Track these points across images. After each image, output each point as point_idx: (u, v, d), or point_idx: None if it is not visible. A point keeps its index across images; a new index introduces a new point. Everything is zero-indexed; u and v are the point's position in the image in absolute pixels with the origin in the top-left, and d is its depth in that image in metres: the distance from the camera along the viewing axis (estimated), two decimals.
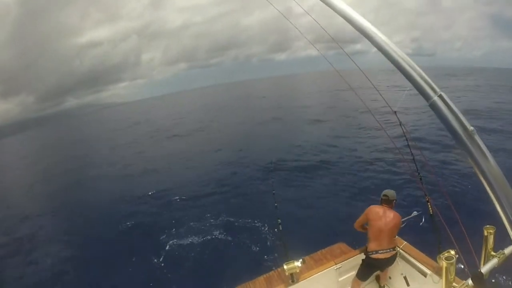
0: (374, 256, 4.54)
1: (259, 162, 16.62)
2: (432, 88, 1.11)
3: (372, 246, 4.58)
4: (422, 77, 1.12)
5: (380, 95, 2.88)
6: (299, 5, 1.69)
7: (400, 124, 4.87)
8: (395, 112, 4.72)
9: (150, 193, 14.91)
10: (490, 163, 1.09)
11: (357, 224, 4.90)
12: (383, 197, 4.70)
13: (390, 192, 4.71)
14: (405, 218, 4.92)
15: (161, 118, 52.95)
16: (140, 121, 52.40)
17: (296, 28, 2.35)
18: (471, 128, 1.08)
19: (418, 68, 1.14)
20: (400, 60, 1.15)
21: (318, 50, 2.55)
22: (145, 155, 24.81)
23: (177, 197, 13.94)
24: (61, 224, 13.12)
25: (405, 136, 5.24)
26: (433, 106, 1.11)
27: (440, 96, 1.10)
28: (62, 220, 13.44)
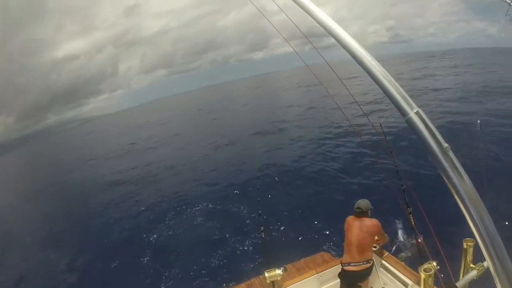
0: (347, 268, 4.49)
1: (244, 166, 16.65)
2: (409, 104, 1.13)
3: (344, 257, 4.55)
4: (399, 93, 1.14)
5: (357, 102, 2.87)
6: (274, 2, 1.71)
7: (385, 136, 4.93)
8: (380, 124, 4.79)
9: (137, 200, 14.87)
10: (463, 179, 1.11)
11: None
12: (357, 210, 4.59)
13: (363, 203, 4.59)
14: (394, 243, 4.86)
15: (140, 127, 51.93)
16: (121, 132, 51.35)
17: (273, 25, 2.36)
18: (446, 145, 1.10)
19: (396, 84, 1.15)
20: (379, 75, 1.17)
21: (292, 47, 2.55)
22: (129, 164, 24.49)
23: (161, 201, 13.84)
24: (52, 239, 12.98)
25: (390, 149, 5.31)
26: (410, 122, 1.13)
27: (417, 113, 1.12)
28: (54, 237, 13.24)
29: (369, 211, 4.61)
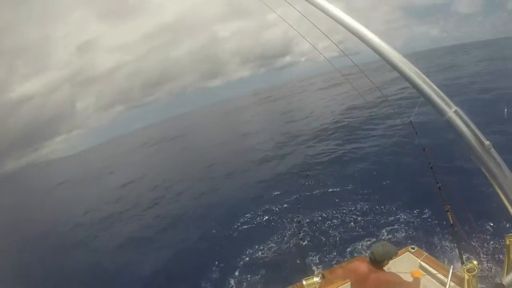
0: None
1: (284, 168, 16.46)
2: (447, 104, 1.13)
3: None
4: (437, 93, 1.14)
5: (387, 99, 2.81)
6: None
7: (416, 133, 4.77)
8: (410, 121, 4.66)
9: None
10: (507, 176, 1.10)
11: None
12: (369, 256, 3.00)
13: (378, 250, 2.90)
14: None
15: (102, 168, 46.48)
16: (83, 175, 46.43)
17: (300, 33, 2.33)
18: (488, 142, 1.09)
19: (432, 85, 1.16)
20: (415, 77, 1.17)
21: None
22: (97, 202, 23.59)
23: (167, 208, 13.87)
24: None
25: (423, 147, 5.14)
26: (450, 121, 1.13)
27: (456, 112, 1.12)
28: None
29: (384, 262, 2.97)
